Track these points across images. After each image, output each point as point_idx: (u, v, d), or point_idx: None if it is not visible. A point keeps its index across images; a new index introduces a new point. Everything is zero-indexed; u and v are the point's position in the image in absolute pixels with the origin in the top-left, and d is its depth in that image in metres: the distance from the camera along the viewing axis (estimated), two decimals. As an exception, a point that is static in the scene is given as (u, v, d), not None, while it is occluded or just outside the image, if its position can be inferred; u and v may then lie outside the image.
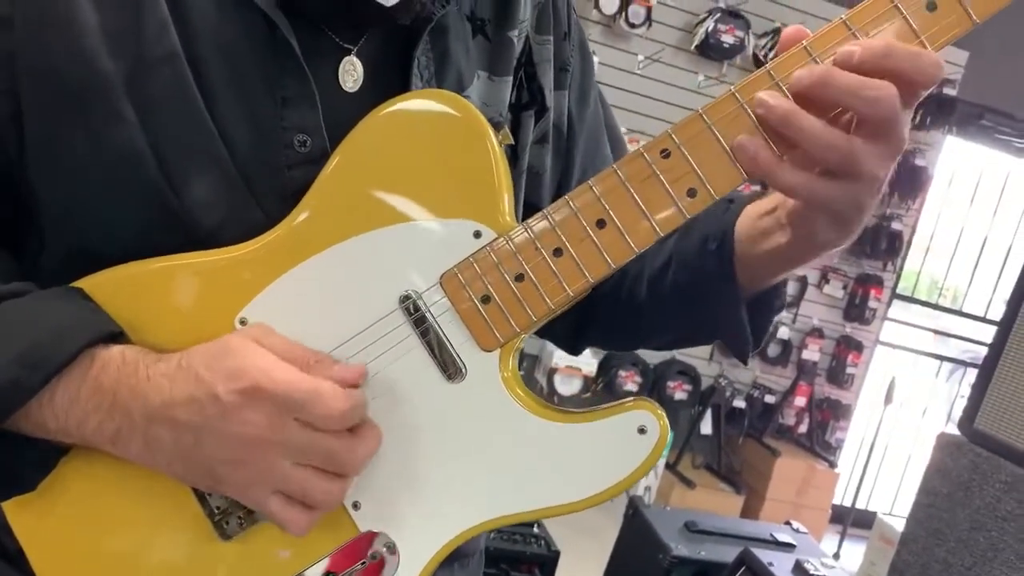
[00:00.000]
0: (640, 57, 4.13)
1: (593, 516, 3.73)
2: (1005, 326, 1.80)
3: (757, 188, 0.77)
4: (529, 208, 0.81)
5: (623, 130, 1.01)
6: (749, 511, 4.30)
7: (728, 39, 4.08)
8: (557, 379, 4.09)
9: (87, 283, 0.69)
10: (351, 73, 0.73)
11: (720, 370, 4.51)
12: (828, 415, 4.66)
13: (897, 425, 4.75)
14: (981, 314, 5.31)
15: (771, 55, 0.65)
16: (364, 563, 0.70)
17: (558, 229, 0.68)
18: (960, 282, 5.43)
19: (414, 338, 0.70)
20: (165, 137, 0.67)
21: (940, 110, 4.34)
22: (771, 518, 3.98)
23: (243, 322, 0.69)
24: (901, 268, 4.74)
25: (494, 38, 0.81)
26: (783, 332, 4.52)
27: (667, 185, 0.67)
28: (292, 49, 0.69)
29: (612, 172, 0.68)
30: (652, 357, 4.34)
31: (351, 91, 0.73)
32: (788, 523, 2.34)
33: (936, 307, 5.35)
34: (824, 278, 4.58)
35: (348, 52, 0.73)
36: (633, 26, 4.03)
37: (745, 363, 0.82)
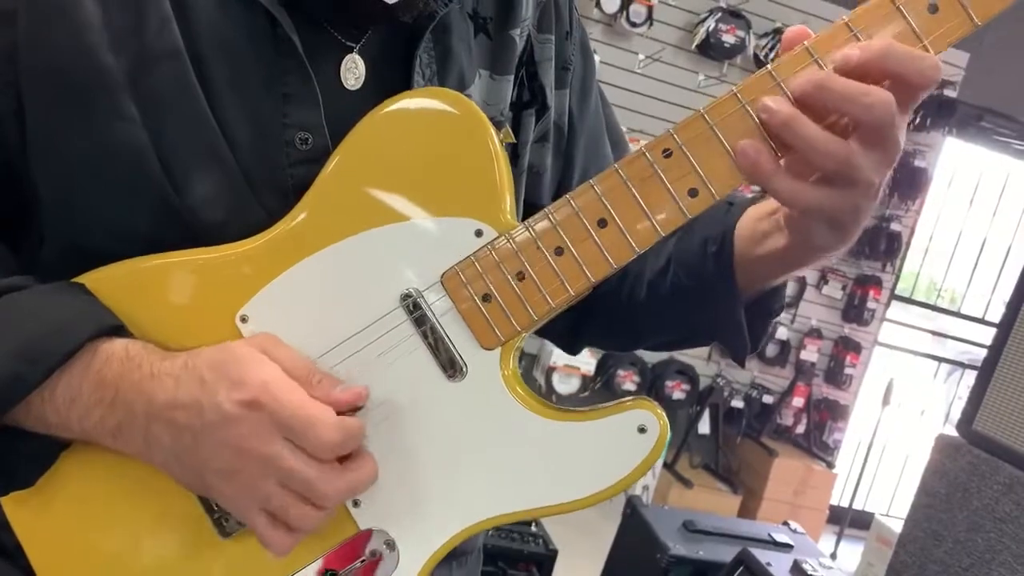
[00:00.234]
0: (641, 56, 4.13)
1: (591, 515, 3.74)
2: (1004, 328, 1.80)
3: (757, 190, 0.76)
4: (529, 207, 0.81)
5: (623, 129, 1.00)
6: (746, 511, 4.30)
7: (729, 39, 4.08)
8: (555, 378, 4.10)
9: (88, 278, 0.69)
10: (353, 71, 0.73)
11: (718, 370, 4.51)
12: (826, 415, 4.67)
13: (895, 426, 4.75)
14: (979, 316, 5.31)
15: (772, 55, 0.65)
16: (363, 560, 0.70)
17: (559, 228, 0.68)
18: (959, 284, 5.44)
19: (415, 337, 0.70)
20: (167, 133, 0.67)
21: (940, 111, 4.34)
22: (768, 518, 3.98)
23: (243, 319, 0.69)
24: (900, 269, 4.74)
25: (496, 37, 0.81)
26: (781, 332, 4.53)
27: (668, 185, 0.67)
28: (294, 46, 0.69)
29: (614, 171, 0.68)
30: (650, 356, 4.34)
31: (353, 89, 0.73)
32: (786, 523, 2.34)
33: (934, 308, 5.36)
34: (823, 279, 4.58)
35: (350, 50, 0.73)
36: (634, 25, 4.03)
37: (742, 365, 0.82)
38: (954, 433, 1.86)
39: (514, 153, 0.84)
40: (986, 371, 1.81)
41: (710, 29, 4.06)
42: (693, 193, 0.67)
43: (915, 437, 5.03)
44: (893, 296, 4.78)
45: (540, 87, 0.85)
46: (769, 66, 0.64)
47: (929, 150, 4.54)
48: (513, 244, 0.69)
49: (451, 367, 0.70)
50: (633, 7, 4.00)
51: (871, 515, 4.08)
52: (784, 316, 4.54)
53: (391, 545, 0.70)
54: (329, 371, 0.69)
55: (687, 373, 4.36)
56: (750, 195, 0.80)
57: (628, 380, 4.21)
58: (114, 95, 0.66)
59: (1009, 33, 4.36)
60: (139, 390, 0.65)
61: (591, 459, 0.69)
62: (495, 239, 0.69)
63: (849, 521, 4.19)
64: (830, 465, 4.49)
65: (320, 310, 0.70)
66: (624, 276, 0.87)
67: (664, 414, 0.69)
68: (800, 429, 4.61)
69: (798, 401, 4.56)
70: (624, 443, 0.69)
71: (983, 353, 1.89)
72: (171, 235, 0.69)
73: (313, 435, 0.63)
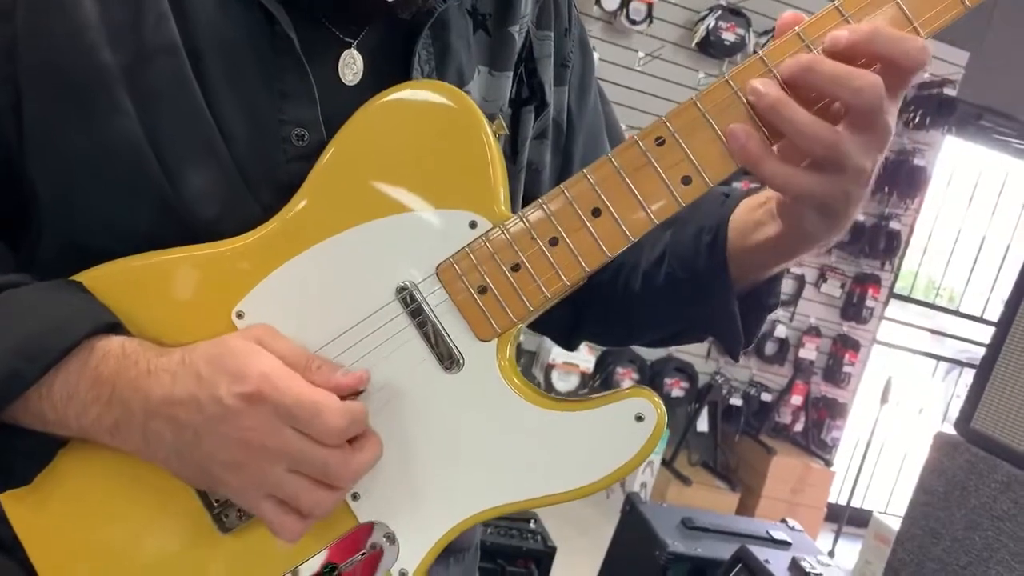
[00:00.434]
0: (640, 54, 4.13)
1: (590, 512, 3.74)
2: (1003, 326, 1.80)
3: (756, 185, 0.76)
4: (529, 204, 0.81)
5: (623, 127, 1.00)
6: (744, 508, 4.31)
7: (729, 37, 4.08)
8: (554, 375, 4.10)
9: (85, 276, 0.69)
10: (351, 66, 0.73)
11: (717, 368, 4.51)
12: (824, 413, 4.67)
13: (893, 424, 4.76)
14: (978, 314, 5.32)
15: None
16: (364, 554, 0.70)
17: (553, 218, 0.68)
18: (957, 282, 5.44)
19: (411, 329, 0.70)
20: (163, 129, 0.67)
21: (940, 110, 4.34)
22: (766, 516, 3.98)
23: (240, 315, 0.69)
24: (899, 268, 4.74)
25: (495, 33, 0.81)
26: (780, 330, 4.53)
27: (662, 173, 0.67)
28: (291, 43, 0.69)
29: (607, 161, 0.68)
30: (649, 354, 4.34)
31: (351, 84, 0.73)
32: (784, 521, 2.34)
33: (933, 307, 5.36)
34: (822, 277, 4.58)
35: (348, 45, 0.73)
36: (634, 23, 4.03)
37: (736, 360, 0.82)
38: (952, 431, 1.86)
39: (513, 150, 0.84)
40: (984, 369, 1.82)
41: (710, 27, 4.06)
42: (686, 181, 0.67)
43: (913, 435, 5.04)
44: (892, 294, 4.78)
45: (539, 84, 0.85)
46: (760, 52, 0.64)
47: (928, 149, 4.54)
48: (507, 235, 0.69)
49: (448, 359, 0.70)
50: (633, 5, 4.00)
51: (869, 513, 4.08)
52: (783, 314, 4.54)
53: (391, 538, 0.70)
54: None
55: (686, 371, 4.37)
56: (746, 188, 0.79)
57: (627, 377, 4.21)
58: (111, 90, 0.66)
59: (1009, 32, 4.36)
60: (135, 387, 0.64)
61: (589, 448, 0.69)
62: (489, 230, 0.69)
63: (847, 519, 4.19)
64: (828, 463, 4.49)
65: (316, 304, 0.70)
66: (620, 267, 0.87)
67: (661, 403, 0.69)
68: (798, 427, 4.61)
69: (796, 399, 4.57)
70: (621, 432, 0.69)
71: (981, 352, 1.89)
72: (168, 231, 0.69)
73: (319, 422, 0.63)
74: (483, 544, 1.92)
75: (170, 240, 0.69)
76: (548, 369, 4.10)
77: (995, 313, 4.68)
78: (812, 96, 0.63)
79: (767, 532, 2.23)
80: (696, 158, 0.66)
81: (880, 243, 4.50)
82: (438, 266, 0.69)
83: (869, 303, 4.57)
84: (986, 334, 4.19)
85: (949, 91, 4.39)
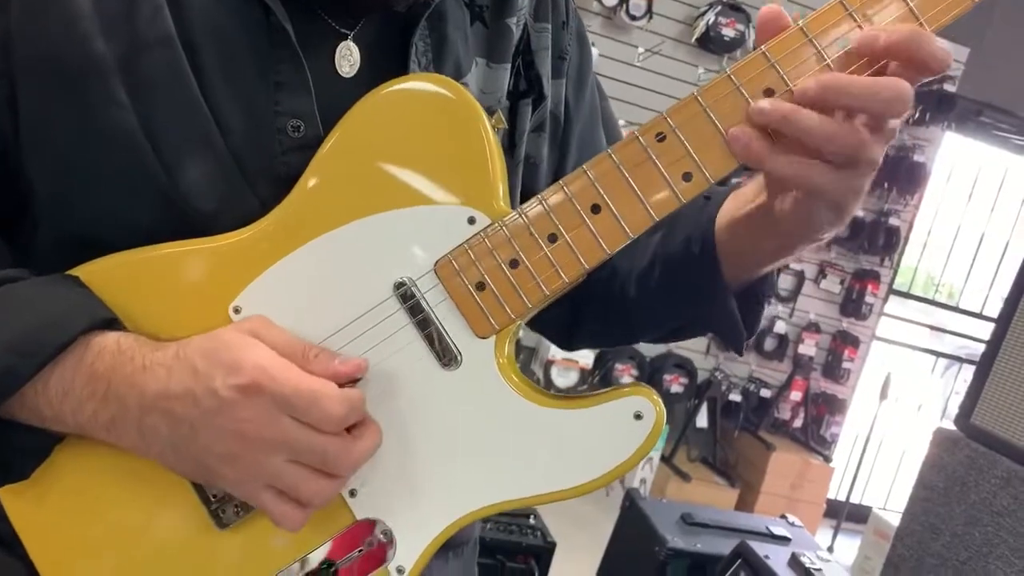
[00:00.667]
0: (640, 49, 4.12)
1: (589, 508, 3.74)
2: (1003, 322, 1.80)
3: (738, 181, 0.76)
4: (526, 198, 0.81)
5: (622, 122, 1.00)
6: (744, 504, 4.31)
7: (729, 32, 4.08)
8: (554, 371, 4.10)
9: (82, 271, 0.69)
10: (347, 58, 0.73)
11: (716, 364, 4.51)
12: (823, 410, 4.67)
13: (892, 420, 4.76)
14: (977, 310, 5.32)
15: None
16: (361, 550, 0.70)
17: (552, 215, 0.68)
18: (957, 278, 5.44)
19: (409, 325, 0.69)
20: (159, 121, 0.66)
21: (940, 106, 4.33)
22: (766, 512, 3.98)
23: (237, 310, 0.69)
24: (898, 264, 4.74)
25: (492, 25, 0.81)
26: (779, 326, 4.53)
27: (662, 169, 0.66)
28: (287, 35, 0.69)
29: (607, 156, 0.67)
30: (648, 350, 4.34)
31: (347, 76, 0.73)
32: (784, 516, 2.34)
33: (932, 303, 5.36)
34: (821, 273, 4.58)
35: (345, 37, 0.73)
36: (633, 18, 4.02)
37: (740, 354, 0.82)
38: (952, 427, 1.86)
39: (511, 143, 0.84)
40: (984, 365, 1.82)
41: (710, 22, 4.05)
42: (687, 177, 0.66)
43: (912, 431, 5.05)
44: (891, 290, 4.78)
45: (537, 76, 0.85)
46: (763, 47, 0.64)
47: (928, 145, 4.54)
48: (506, 231, 0.68)
49: (446, 356, 0.69)
50: (632, 0, 3.99)
51: (868, 509, 4.09)
52: (782, 310, 4.55)
53: (388, 535, 0.70)
54: None
55: (685, 367, 4.37)
56: (724, 188, 0.78)
57: (626, 373, 4.21)
58: (107, 82, 0.65)
59: (1009, 28, 4.35)
60: (131, 383, 0.64)
61: (587, 446, 0.69)
62: (488, 226, 0.69)
63: (846, 515, 4.20)
64: (827, 459, 4.50)
65: (313, 300, 0.70)
66: (614, 275, 0.87)
67: (660, 400, 0.69)
68: (798, 423, 4.61)
69: (796, 395, 4.57)
70: (620, 430, 0.68)
71: (980, 348, 1.89)
72: (165, 224, 0.68)
73: (318, 410, 0.63)
74: (483, 540, 1.92)
75: (167, 233, 0.69)
76: (547, 365, 4.10)
77: (994, 309, 4.69)
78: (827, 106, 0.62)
79: (767, 528, 2.22)
80: (697, 154, 0.65)
81: (879, 239, 4.50)
82: (436, 262, 0.69)
83: (868, 299, 4.57)
84: (985, 330, 4.19)
85: (949, 87, 4.38)
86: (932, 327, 5.39)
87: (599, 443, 0.69)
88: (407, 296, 0.69)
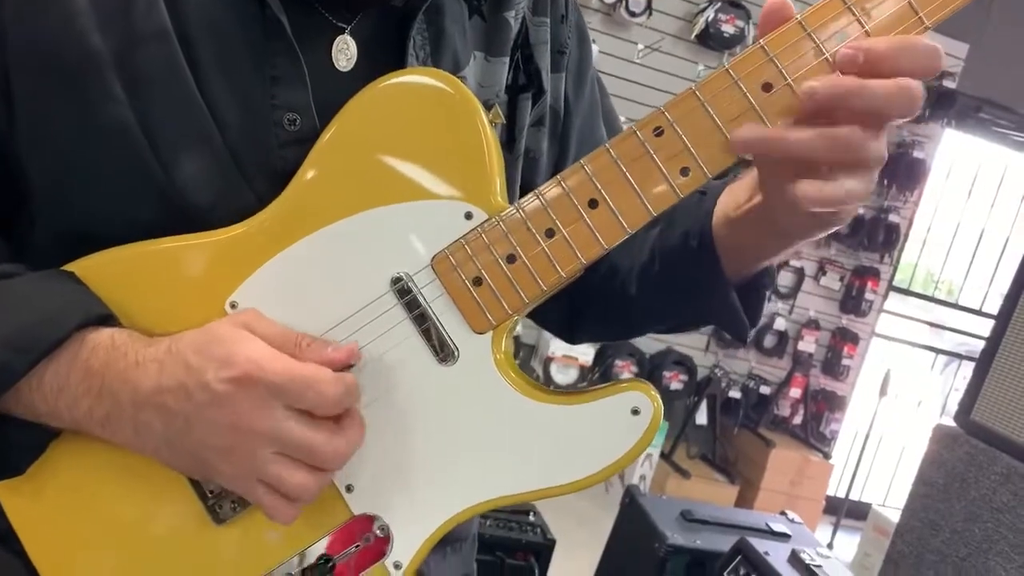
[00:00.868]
0: (640, 46, 4.11)
1: (589, 504, 3.74)
2: (1003, 319, 1.80)
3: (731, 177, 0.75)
4: (527, 192, 0.81)
5: (622, 119, 1.00)
6: (743, 501, 4.32)
7: (728, 29, 4.07)
8: (553, 368, 4.10)
9: (78, 266, 0.69)
10: (344, 52, 0.72)
11: (716, 360, 4.51)
12: (823, 406, 4.67)
13: (891, 417, 4.76)
14: (976, 307, 5.31)
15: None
16: (358, 546, 0.70)
17: (550, 210, 0.68)
18: (956, 275, 5.44)
19: (406, 321, 0.69)
20: (155, 115, 0.66)
21: (939, 102, 4.32)
22: (765, 508, 3.98)
23: (233, 305, 0.69)
24: (898, 260, 4.74)
25: (490, 19, 0.81)
26: (779, 323, 4.53)
27: (660, 164, 0.66)
28: (283, 28, 0.68)
29: (604, 151, 0.67)
30: (648, 347, 4.35)
31: (344, 70, 0.73)
32: (783, 513, 2.34)
33: (932, 300, 5.36)
34: (821, 270, 4.58)
35: (342, 31, 0.73)
36: (633, 15, 4.01)
37: (744, 343, 0.81)
38: (952, 423, 1.87)
39: (510, 137, 0.83)
40: (984, 361, 1.82)
41: (709, 19, 4.05)
42: (685, 172, 0.66)
43: (911, 428, 5.05)
44: (891, 287, 4.78)
45: (536, 70, 0.84)
46: (762, 41, 0.63)
47: (928, 141, 4.53)
48: (503, 226, 0.68)
49: (443, 351, 0.69)
50: (632, -4, 3.99)
51: (867, 506, 4.09)
52: (782, 307, 4.55)
53: (385, 530, 0.70)
54: None
55: (685, 363, 4.37)
56: (719, 182, 0.78)
57: (626, 370, 4.21)
58: (103, 77, 0.65)
59: (1009, 24, 4.35)
60: (124, 379, 0.64)
61: (585, 442, 0.69)
62: (485, 221, 0.69)
63: (845, 511, 4.20)
64: (827, 456, 4.50)
65: (310, 295, 0.69)
66: (615, 271, 0.87)
67: (658, 396, 0.69)
68: (797, 420, 4.61)
69: (795, 392, 4.57)
70: (617, 425, 0.68)
71: (980, 344, 1.89)
72: (162, 219, 0.68)
73: (314, 393, 0.63)
74: (482, 537, 1.91)
75: (164, 228, 0.68)
76: (547, 362, 4.10)
77: (994, 306, 4.68)
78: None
79: (766, 524, 2.22)
80: (695, 149, 0.65)
81: (879, 236, 4.50)
82: (433, 258, 0.69)
83: (868, 296, 4.57)
84: (985, 327, 4.19)
85: (948, 83, 4.38)
86: (932, 324, 5.39)
87: (597, 438, 0.69)
88: (404, 291, 0.69)
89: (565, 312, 0.91)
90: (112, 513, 0.70)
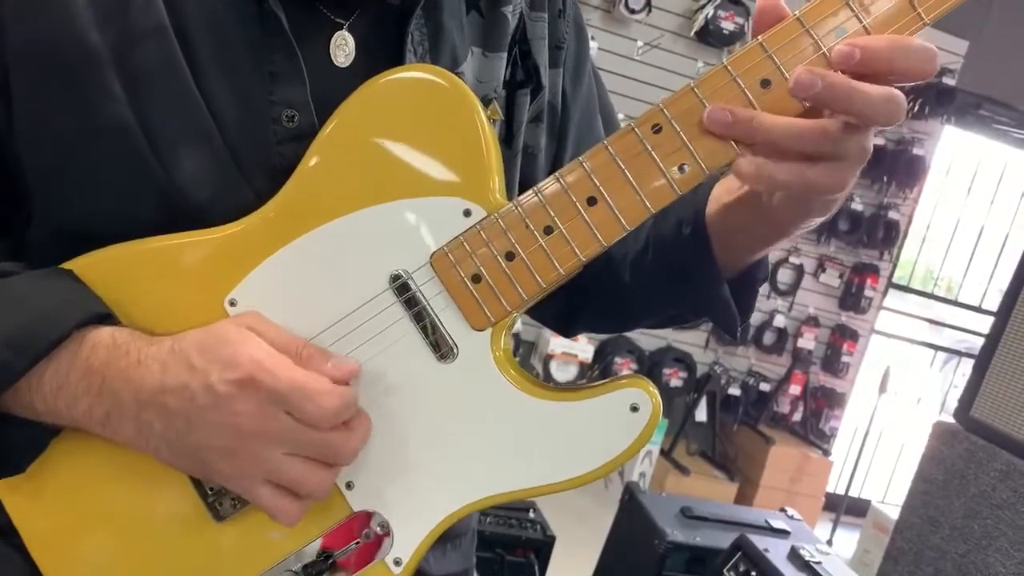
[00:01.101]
0: (639, 43, 4.11)
1: (589, 501, 3.74)
2: (1003, 315, 1.80)
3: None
4: (524, 189, 0.81)
5: (620, 116, 1.00)
6: (743, 498, 4.32)
7: (728, 26, 4.06)
8: (553, 365, 4.10)
9: (76, 264, 0.69)
10: (343, 48, 0.72)
11: (715, 358, 4.51)
12: (823, 403, 4.67)
13: (891, 414, 4.76)
14: (976, 304, 5.31)
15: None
16: (358, 542, 0.70)
17: (548, 207, 0.68)
18: (956, 272, 5.43)
19: (405, 318, 0.69)
20: (153, 112, 0.66)
21: (939, 100, 4.32)
22: (765, 505, 3.99)
23: (232, 303, 0.69)
24: (897, 257, 4.74)
25: (488, 14, 0.81)
26: (779, 320, 4.53)
27: (658, 161, 0.66)
28: (280, 24, 0.68)
29: (603, 148, 0.67)
30: (648, 344, 4.34)
31: (343, 66, 0.73)
32: (783, 510, 2.34)
33: (931, 297, 5.36)
34: (820, 267, 4.58)
35: (340, 27, 0.72)
36: (632, 12, 4.01)
37: (735, 338, 0.81)
38: (951, 420, 1.87)
39: (508, 133, 0.83)
40: (984, 358, 1.82)
41: (709, 16, 4.04)
42: (683, 169, 0.66)
43: (911, 425, 5.05)
44: (890, 284, 4.77)
45: (534, 66, 0.84)
46: (760, 37, 0.63)
47: (927, 138, 4.53)
48: (502, 223, 0.68)
49: (442, 348, 0.69)
50: (631, -7, 3.98)
51: (866, 503, 4.09)
52: (781, 304, 4.54)
53: (385, 527, 0.70)
54: None
55: (684, 361, 4.36)
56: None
57: (625, 367, 4.21)
58: (102, 74, 0.65)
59: (1009, 21, 4.34)
60: (126, 378, 0.64)
61: (584, 438, 0.69)
62: (484, 218, 0.68)
63: (845, 508, 4.20)
64: (826, 453, 4.50)
65: (309, 292, 0.69)
66: (610, 260, 0.87)
67: (657, 392, 0.69)
68: (797, 417, 4.61)
69: (795, 389, 4.57)
70: (616, 422, 0.68)
71: (979, 341, 1.89)
72: (159, 215, 0.68)
73: (313, 406, 0.63)
74: (482, 534, 1.91)
75: (162, 224, 0.68)
76: (547, 360, 4.10)
77: (993, 303, 4.68)
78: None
79: (766, 521, 2.22)
80: (693, 146, 0.65)
81: (879, 233, 4.49)
82: (432, 255, 0.69)
83: (867, 293, 4.56)
84: (984, 324, 4.19)
85: (948, 80, 4.37)
86: (931, 321, 5.38)
87: (596, 435, 0.69)
88: (403, 289, 0.69)
89: (561, 305, 0.91)
90: (113, 511, 0.70)
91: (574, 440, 0.69)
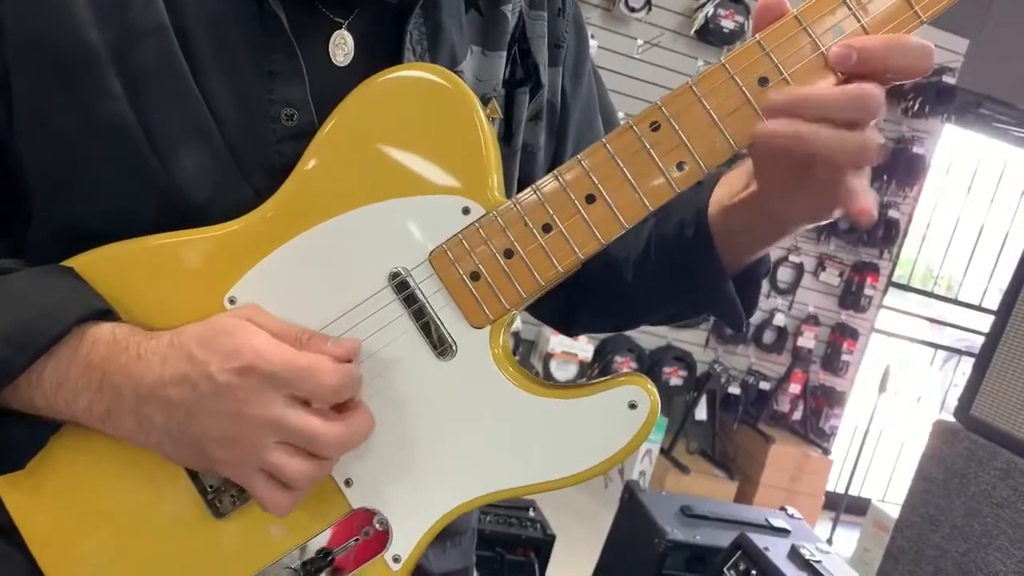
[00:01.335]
0: (639, 42, 4.11)
1: (589, 500, 3.74)
2: (1003, 314, 1.80)
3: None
4: (524, 187, 0.81)
5: (620, 115, 1.00)
6: (743, 497, 4.32)
7: (728, 24, 4.06)
8: (553, 364, 4.10)
9: (76, 262, 0.69)
10: (342, 47, 0.72)
11: (715, 356, 4.51)
12: (822, 402, 4.67)
13: (891, 413, 4.76)
14: (976, 303, 5.31)
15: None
16: (357, 540, 0.70)
17: (547, 205, 0.68)
18: (956, 271, 5.43)
19: (404, 316, 0.69)
20: (153, 110, 0.66)
21: (939, 98, 4.31)
22: (764, 504, 3.99)
23: (232, 301, 0.69)
24: (897, 256, 4.74)
25: (487, 13, 0.81)
26: (779, 319, 4.53)
27: (656, 159, 0.66)
28: (280, 22, 0.68)
29: (601, 146, 0.67)
30: (648, 343, 4.35)
31: (342, 65, 0.73)
32: (783, 508, 2.34)
33: (931, 295, 5.36)
34: (820, 265, 4.58)
35: (339, 26, 0.73)
36: (632, 10, 4.01)
37: (740, 331, 0.81)
38: (951, 419, 1.87)
39: (508, 132, 0.83)
40: (984, 357, 1.82)
41: (709, 14, 4.04)
42: (681, 166, 0.66)
43: (911, 424, 5.05)
44: (890, 283, 4.77)
45: (533, 65, 0.84)
46: (758, 36, 0.63)
47: (927, 137, 4.53)
48: (500, 221, 0.68)
49: (441, 346, 0.69)
50: (631, -8, 3.98)
51: (866, 501, 4.09)
52: (781, 303, 4.55)
53: (384, 523, 0.70)
54: None
55: (684, 359, 4.37)
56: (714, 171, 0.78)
57: (625, 366, 4.21)
58: (101, 73, 0.65)
59: (1009, 20, 4.34)
60: (126, 373, 0.64)
61: (582, 436, 0.69)
62: (482, 216, 0.69)
63: (845, 507, 4.20)
64: (826, 451, 4.50)
65: (309, 290, 0.69)
66: (611, 261, 0.87)
67: (655, 390, 0.69)
68: (797, 415, 4.61)
69: (795, 388, 4.57)
70: (615, 419, 0.68)
71: (979, 340, 1.89)
72: (159, 214, 0.68)
73: (313, 382, 0.63)
74: (482, 533, 1.91)
75: (162, 222, 0.68)
76: (547, 358, 4.10)
77: (993, 302, 4.68)
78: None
79: (766, 520, 2.22)
80: (691, 143, 0.65)
81: (878, 231, 4.49)
82: (431, 253, 0.69)
83: (867, 291, 4.56)
84: (984, 323, 4.19)
85: (948, 79, 4.37)
86: (931, 319, 5.38)
87: (594, 432, 0.69)
88: (402, 286, 0.69)
89: (561, 303, 0.92)
90: (112, 507, 0.70)
91: (573, 437, 0.69)
